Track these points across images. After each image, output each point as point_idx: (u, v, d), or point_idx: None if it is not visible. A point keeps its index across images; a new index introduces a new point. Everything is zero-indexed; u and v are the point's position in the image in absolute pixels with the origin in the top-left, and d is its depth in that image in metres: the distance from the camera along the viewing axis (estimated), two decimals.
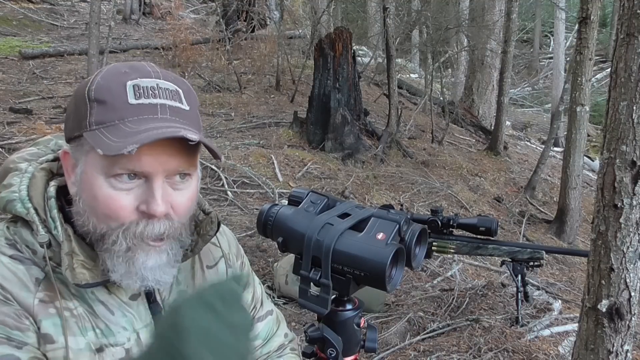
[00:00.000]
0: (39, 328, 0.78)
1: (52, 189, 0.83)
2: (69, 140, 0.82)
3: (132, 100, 0.78)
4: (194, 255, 0.92)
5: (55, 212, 0.81)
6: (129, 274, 0.80)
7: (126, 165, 0.76)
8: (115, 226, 0.79)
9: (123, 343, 0.84)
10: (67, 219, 0.83)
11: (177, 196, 0.81)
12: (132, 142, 0.73)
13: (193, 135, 0.76)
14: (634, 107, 1.38)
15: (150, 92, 0.79)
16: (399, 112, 6.74)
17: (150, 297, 0.88)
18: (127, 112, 0.77)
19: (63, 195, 0.85)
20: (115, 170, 0.77)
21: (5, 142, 4.66)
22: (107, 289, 0.84)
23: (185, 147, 0.79)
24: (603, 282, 1.48)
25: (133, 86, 0.78)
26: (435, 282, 3.57)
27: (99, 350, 0.82)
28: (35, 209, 0.81)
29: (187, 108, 0.83)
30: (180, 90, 0.83)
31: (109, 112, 0.77)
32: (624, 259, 1.44)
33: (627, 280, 1.45)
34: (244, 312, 0.61)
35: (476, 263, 4.06)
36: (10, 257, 0.80)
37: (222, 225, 1.07)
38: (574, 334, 2.26)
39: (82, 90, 0.80)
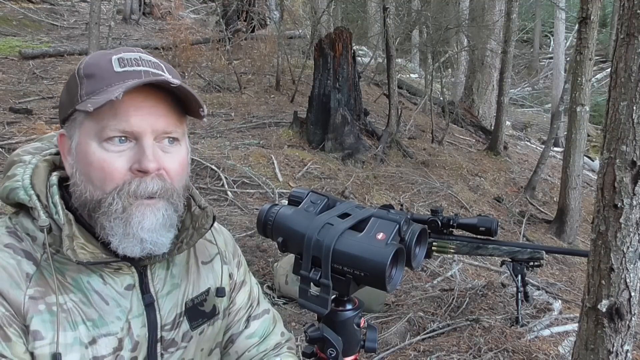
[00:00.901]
0: (28, 326, 0.79)
1: (54, 178, 0.86)
2: (64, 122, 0.87)
3: (117, 69, 0.83)
4: (189, 247, 0.94)
5: (57, 197, 0.84)
6: (126, 236, 0.82)
7: (117, 127, 0.81)
8: (110, 189, 0.81)
9: (116, 332, 0.86)
10: (68, 207, 0.85)
11: (168, 159, 0.85)
12: (118, 91, 0.77)
13: (175, 80, 0.82)
14: (634, 107, 1.38)
15: (134, 62, 0.85)
16: (399, 112, 6.74)
17: (144, 288, 0.90)
18: (113, 79, 0.82)
19: (65, 188, 0.87)
20: (107, 134, 0.81)
21: (5, 142, 4.66)
22: (103, 280, 0.86)
23: (172, 109, 0.85)
24: (603, 282, 1.48)
25: (118, 59, 0.84)
26: (435, 282, 3.57)
27: (92, 342, 0.83)
28: (38, 196, 0.84)
29: (170, 77, 0.87)
30: (162, 65, 0.89)
31: (97, 82, 0.82)
32: (624, 259, 1.44)
33: (627, 280, 1.45)
34: None
35: (476, 263, 4.06)
36: (5, 246, 0.82)
37: (220, 225, 1.09)
38: (574, 334, 2.26)
39: (73, 73, 0.86)
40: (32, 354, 0.79)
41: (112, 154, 0.81)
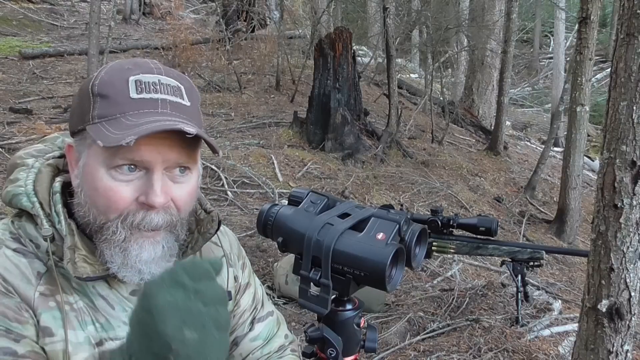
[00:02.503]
0: (38, 321, 0.79)
1: (57, 185, 0.85)
2: (73, 134, 0.84)
3: (133, 95, 0.80)
4: (194, 252, 0.93)
5: (60, 206, 0.83)
6: (124, 265, 0.81)
7: (126, 156, 0.78)
8: (114, 217, 0.80)
9: (123, 337, 0.85)
10: (71, 214, 0.84)
11: (177, 189, 0.83)
12: (131, 134, 0.74)
13: (191, 129, 0.77)
14: (634, 107, 1.38)
15: (152, 87, 0.81)
16: (399, 112, 6.73)
17: None
18: (128, 106, 0.79)
19: (67, 191, 0.86)
20: (116, 162, 0.78)
21: (5, 142, 4.66)
22: (108, 284, 0.86)
23: (185, 141, 0.81)
24: (603, 282, 1.48)
25: (135, 81, 0.80)
26: (435, 282, 3.56)
27: (99, 344, 0.83)
28: (41, 203, 0.83)
29: (188, 104, 0.84)
30: (182, 87, 0.85)
31: (111, 106, 0.79)
32: (624, 259, 1.44)
33: (627, 280, 1.45)
34: (213, 283, 0.62)
35: (476, 263, 4.06)
36: (14, 250, 0.81)
37: (224, 226, 1.08)
38: (574, 334, 2.26)
39: (87, 86, 0.82)
40: (43, 349, 0.79)
41: (120, 183, 0.79)
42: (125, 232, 0.80)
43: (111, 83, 0.80)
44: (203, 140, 0.82)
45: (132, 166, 0.79)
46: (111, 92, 0.79)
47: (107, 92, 0.79)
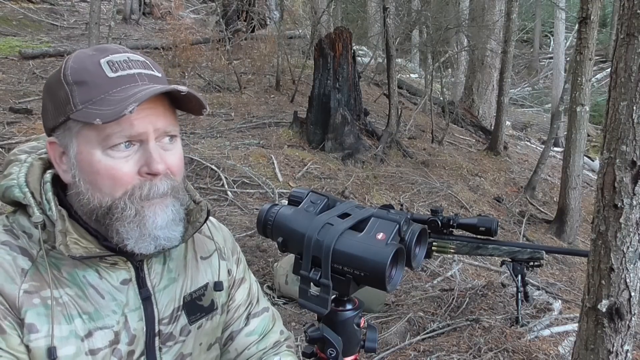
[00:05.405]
0: (23, 319, 0.80)
1: (48, 176, 0.87)
2: (52, 130, 0.86)
3: (110, 74, 0.82)
4: (184, 241, 0.94)
5: (50, 194, 0.85)
6: (142, 237, 0.84)
7: (122, 133, 0.81)
8: (120, 195, 0.82)
9: (112, 326, 0.87)
10: (62, 203, 0.86)
11: (170, 156, 0.87)
12: (129, 103, 0.77)
13: (183, 87, 0.82)
14: (634, 107, 1.38)
15: (124, 65, 0.84)
16: (399, 112, 6.73)
17: (140, 282, 0.91)
18: (109, 85, 0.81)
19: (60, 184, 0.88)
20: (113, 141, 0.81)
21: (5, 142, 4.66)
22: (99, 274, 0.87)
23: (168, 109, 0.86)
24: (603, 282, 1.48)
25: (107, 62, 0.83)
26: (435, 282, 3.56)
27: (88, 335, 0.84)
28: (32, 193, 0.85)
29: (159, 75, 0.88)
30: (148, 61, 0.89)
31: (92, 89, 0.81)
32: (624, 259, 1.44)
33: (627, 280, 1.45)
34: None
35: (476, 263, 4.06)
36: (2, 243, 0.83)
37: (218, 222, 1.10)
38: (574, 334, 2.26)
39: (57, 78, 0.84)
40: (27, 347, 0.80)
41: (119, 160, 0.82)
42: (135, 206, 0.83)
43: (84, 69, 0.82)
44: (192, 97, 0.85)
45: (128, 142, 0.82)
46: (87, 77, 0.82)
47: (83, 78, 0.81)
